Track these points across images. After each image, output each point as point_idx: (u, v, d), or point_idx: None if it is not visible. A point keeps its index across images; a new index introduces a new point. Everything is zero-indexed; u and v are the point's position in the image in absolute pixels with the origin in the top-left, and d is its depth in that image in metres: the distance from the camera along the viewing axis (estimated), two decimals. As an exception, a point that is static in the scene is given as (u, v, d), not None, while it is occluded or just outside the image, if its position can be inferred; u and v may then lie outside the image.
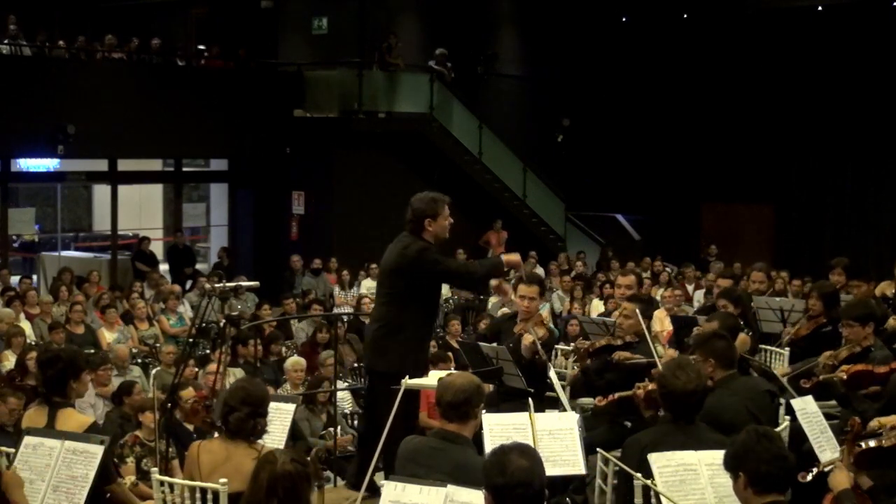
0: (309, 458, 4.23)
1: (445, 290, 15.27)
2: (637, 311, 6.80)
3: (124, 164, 17.17)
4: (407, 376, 5.57)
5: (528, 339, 6.59)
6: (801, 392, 6.11)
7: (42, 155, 16.29)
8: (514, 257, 6.57)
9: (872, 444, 4.68)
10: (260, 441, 4.85)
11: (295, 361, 9.62)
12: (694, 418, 4.80)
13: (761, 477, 3.89)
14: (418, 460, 4.56)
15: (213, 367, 8.39)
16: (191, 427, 7.40)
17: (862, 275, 9.06)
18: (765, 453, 3.90)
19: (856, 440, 4.77)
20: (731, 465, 4.01)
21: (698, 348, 5.78)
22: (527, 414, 5.39)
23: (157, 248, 19.04)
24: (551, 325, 7.66)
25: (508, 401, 6.44)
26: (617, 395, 6.20)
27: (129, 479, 6.62)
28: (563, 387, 7.31)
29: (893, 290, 8.83)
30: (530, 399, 5.29)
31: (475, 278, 6.61)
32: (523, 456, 3.62)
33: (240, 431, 4.73)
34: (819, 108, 18.88)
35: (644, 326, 6.75)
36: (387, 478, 4.52)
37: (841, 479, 4.51)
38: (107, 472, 4.97)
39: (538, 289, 6.98)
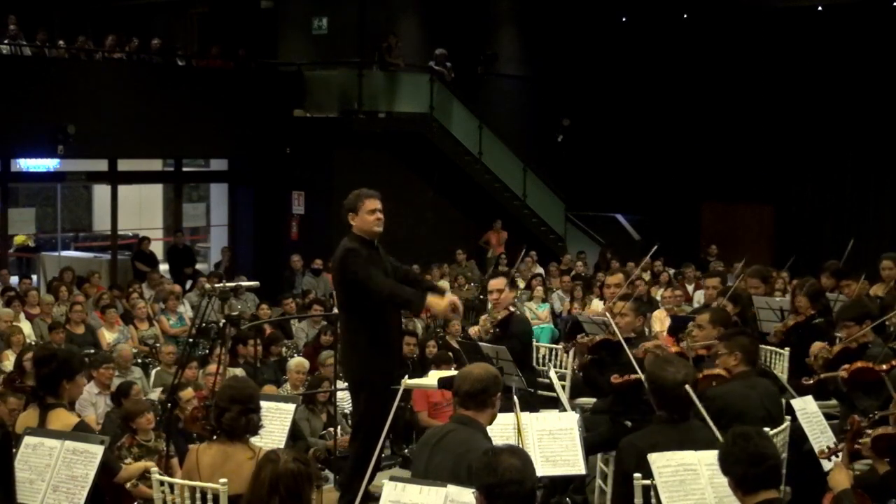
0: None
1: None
2: (631, 308, 6.88)
3: (124, 164, 17.15)
4: (376, 382, 5.66)
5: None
6: (802, 392, 6.12)
7: (42, 155, 16.26)
8: (443, 304, 6.09)
9: (891, 429, 4.67)
10: (257, 443, 4.86)
11: (298, 362, 9.59)
12: (688, 414, 4.73)
13: (742, 477, 3.90)
14: (429, 442, 4.61)
15: (213, 367, 8.39)
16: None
17: (851, 275, 9.11)
18: (741, 454, 3.90)
19: (855, 439, 4.77)
20: (721, 469, 4.05)
21: (725, 341, 5.81)
22: (527, 413, 5.39)
23: (157, 248, 19.03)
24: (519, 312, 8.24)
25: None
26: (634, 376, 6.19)
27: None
28: (563, 386, 7.32)
29: (883, 291, 8.86)
30: (515, 396, 5.21)
31: (382, 296, 6.09)
32: (514, 455, 3.65)
33: (234, 430, 4.73)
34: (819, 107, 18.87)
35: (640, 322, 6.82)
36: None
37: (841, 479, 4.51)
38: (110, 467, 4.99)
39: (504, 280, 7.77)
